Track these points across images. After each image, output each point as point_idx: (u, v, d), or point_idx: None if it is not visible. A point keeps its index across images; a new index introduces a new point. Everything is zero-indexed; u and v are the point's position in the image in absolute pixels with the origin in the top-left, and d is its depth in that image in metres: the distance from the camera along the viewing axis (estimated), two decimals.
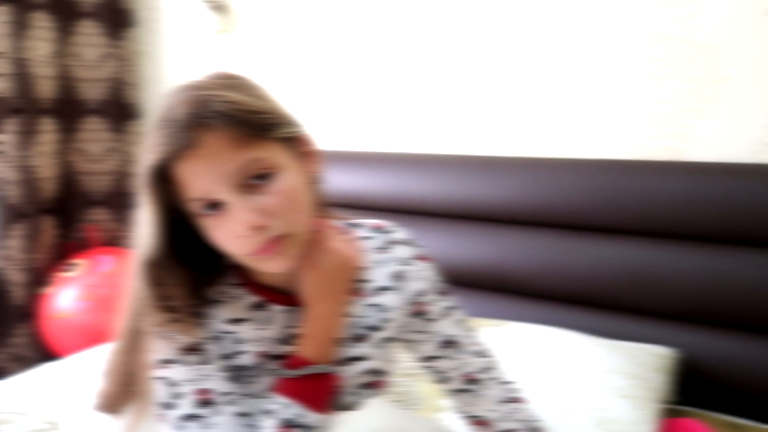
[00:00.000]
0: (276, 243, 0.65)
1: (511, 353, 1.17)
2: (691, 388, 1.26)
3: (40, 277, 2.03)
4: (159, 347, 0.70)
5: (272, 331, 0.75)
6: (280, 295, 0.76)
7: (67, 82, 2.14)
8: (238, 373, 0.74)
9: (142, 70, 2.31)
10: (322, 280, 0.73)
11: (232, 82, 0.67)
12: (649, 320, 1.34)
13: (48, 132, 2.09)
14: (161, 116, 0.64)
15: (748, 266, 1.24)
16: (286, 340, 0.75)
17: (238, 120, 0.62)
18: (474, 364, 0.84)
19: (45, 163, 2.08)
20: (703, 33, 1.33)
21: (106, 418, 0.76)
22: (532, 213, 1.46)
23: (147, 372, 0.71)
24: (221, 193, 0.63)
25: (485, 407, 0.84)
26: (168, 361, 0.70)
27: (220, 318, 0.74)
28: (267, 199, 0.64)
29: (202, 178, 0.63)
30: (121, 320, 0.73)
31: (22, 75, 1.96)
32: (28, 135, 1.98)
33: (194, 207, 0.65)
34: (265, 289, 0.76)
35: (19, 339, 2.00)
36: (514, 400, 0.85)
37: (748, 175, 1.26)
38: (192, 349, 0.70)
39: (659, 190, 1.32)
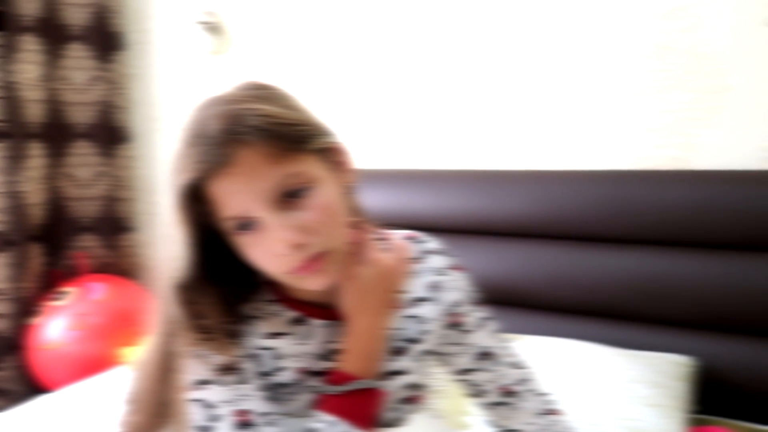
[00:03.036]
0: (316, 261, 0.63)
1: (533, 366, 1.15)
2: (710, 396, 1.26)
3: (28, 306, 1.96)
4: (193, 368, 0.67)
5: (312, 346, 0.72)
6: (318, 309, 0.73)
7: (55, 106, 2.10)
8: (276, 392, 0.71)
9: (132, 93, 2.27)
10: (363, 292, 0.70)
11: (263, 93, 0.65)
12: (664, 329, 1.34)
13: (36, 157, 2.03)
14: (192, 132, 0.61)
15: (759, 272, 1.25)
16: (327, 355, 0.72)
17: (273, 134, 0.60)
18: (510, 375, 0.82)
19: (33, 189, 2.02)
20: (704, 44, 1.36)
21: None
22: (542, 225, 1.46)
23: (181, 395, 0.67)
24: (258, 211, 0.61)
25: (522, 420, 0.82)
26: (204, 382, 0.67)
27: (257, 334, 0.71)
28: (305, 215, 0.62)
29: (238, 197, 0.60)
30: (149, 343, 0.69)
31: (10, 99, 1.91)
32: (15, 160, 1.93)
33: (229, 225, 0.62)
34: (303, 304, 0.73)
35: (5, 372, 1.92)
36: (551, 412, 0.84)
37: (755, 182, 1.28)
38: (228, 369, 0.67)
39: (667, 199, 1.33)
